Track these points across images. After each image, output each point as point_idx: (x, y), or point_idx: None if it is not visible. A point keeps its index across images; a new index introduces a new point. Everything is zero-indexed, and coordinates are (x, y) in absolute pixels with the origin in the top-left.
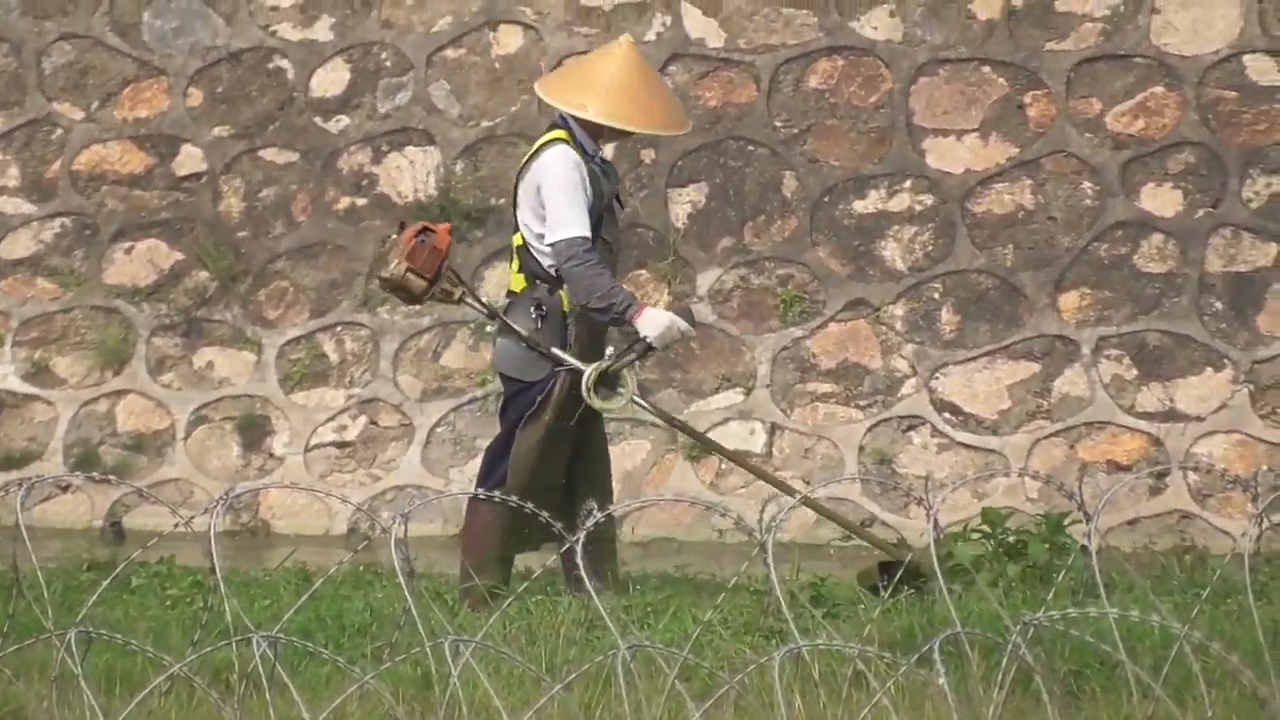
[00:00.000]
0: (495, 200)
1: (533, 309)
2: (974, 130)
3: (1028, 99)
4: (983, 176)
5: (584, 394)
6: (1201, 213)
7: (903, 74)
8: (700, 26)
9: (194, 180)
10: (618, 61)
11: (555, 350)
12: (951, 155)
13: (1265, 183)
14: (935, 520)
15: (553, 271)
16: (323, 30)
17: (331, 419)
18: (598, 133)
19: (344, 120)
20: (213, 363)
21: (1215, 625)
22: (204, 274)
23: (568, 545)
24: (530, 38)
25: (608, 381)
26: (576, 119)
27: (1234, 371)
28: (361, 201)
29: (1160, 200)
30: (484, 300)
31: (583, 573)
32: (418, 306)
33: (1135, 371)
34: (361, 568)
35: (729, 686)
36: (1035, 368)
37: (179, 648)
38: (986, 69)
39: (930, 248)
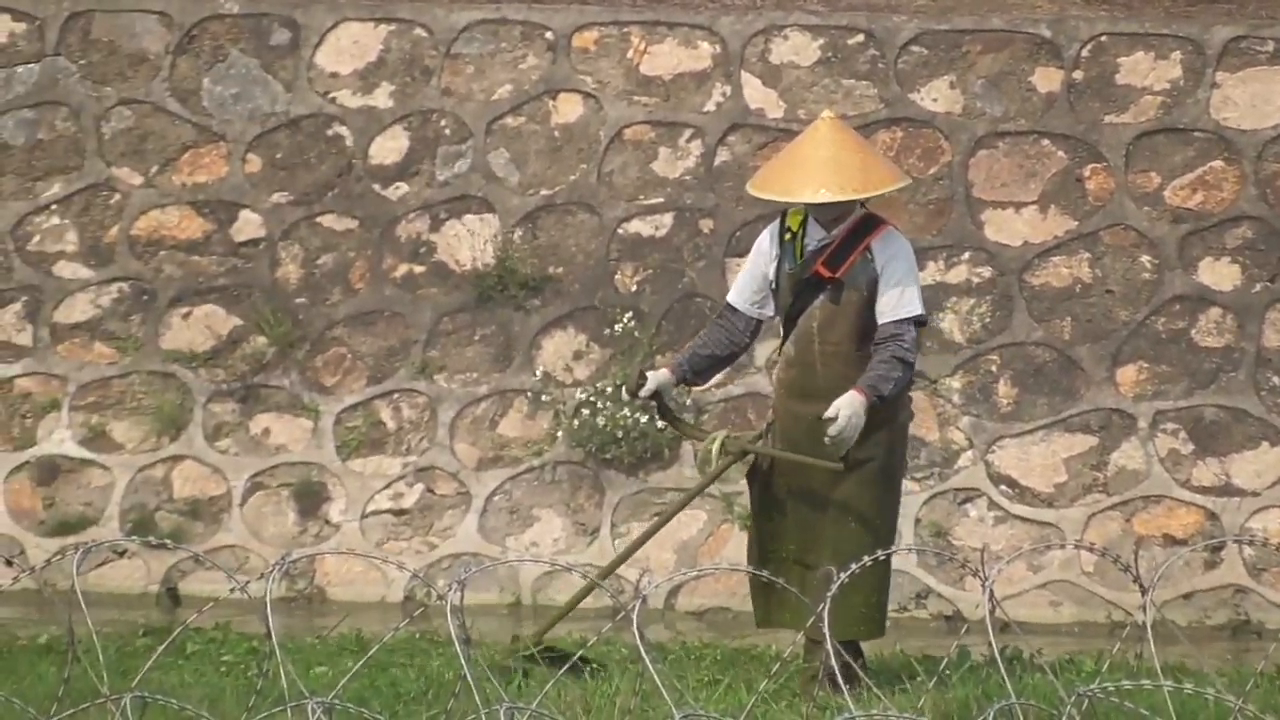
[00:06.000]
0: (553, 269)
1: None
2: (1033, 203)
3: (1086, 172)
4: (1041, 249)
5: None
6: (1259, 287)
7: (962, 146)
8: (760, 97)
9: (252, 246)
10: (825, 138)
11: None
12: (1010, 227)
13: None
14: (991, 592)
15: None
16: (382, 97)
17: (388, 486)
18: (828, 211)
19: (403, 187)
20: (269, 429)
21: (1269, 699)
22: (261, 340)
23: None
24: (590, 106)
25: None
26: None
27: None
28: (419, 269)
29: (1218, 274)
30: None
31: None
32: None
33: (1192, 445)
34: (417, 635)
35: None
36: (1092, 441)
37: (234, 714)
38: (1046, 142)
39: (988, 320)
